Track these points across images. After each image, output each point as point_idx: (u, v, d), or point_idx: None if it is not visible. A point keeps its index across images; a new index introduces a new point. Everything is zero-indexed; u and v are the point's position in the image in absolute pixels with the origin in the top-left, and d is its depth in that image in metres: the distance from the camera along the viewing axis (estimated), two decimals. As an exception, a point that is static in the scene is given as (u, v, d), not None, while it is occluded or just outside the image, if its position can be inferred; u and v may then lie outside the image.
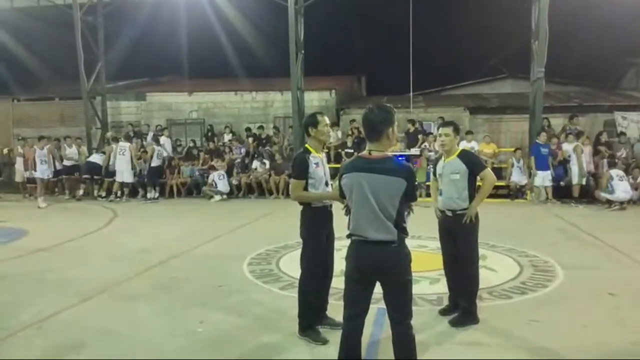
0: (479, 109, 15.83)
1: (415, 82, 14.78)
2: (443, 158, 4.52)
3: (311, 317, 4.06)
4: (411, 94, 14.76)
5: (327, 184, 4.04)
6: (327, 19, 19.36)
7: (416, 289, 5.18)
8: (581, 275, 5.75)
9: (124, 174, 13.10)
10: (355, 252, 2.99)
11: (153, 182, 13.32)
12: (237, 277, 5.86)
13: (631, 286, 5.34)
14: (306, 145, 4.10)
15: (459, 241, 4.38)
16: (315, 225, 4.01)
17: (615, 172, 10.83)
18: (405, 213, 2.99)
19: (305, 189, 3.99)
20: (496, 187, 12.21)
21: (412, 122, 14.07)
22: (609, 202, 10.65)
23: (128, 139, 13.65)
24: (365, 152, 3.01)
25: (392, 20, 17.52)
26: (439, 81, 21.24)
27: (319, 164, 4.01)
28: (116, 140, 13.74)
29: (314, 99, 16.54)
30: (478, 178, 4.42)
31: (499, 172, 12.64)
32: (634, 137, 13.08)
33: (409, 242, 3.03)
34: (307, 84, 14.75)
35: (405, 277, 2.94)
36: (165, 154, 14.06)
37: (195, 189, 13.70)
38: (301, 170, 3.97)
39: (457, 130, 4.54)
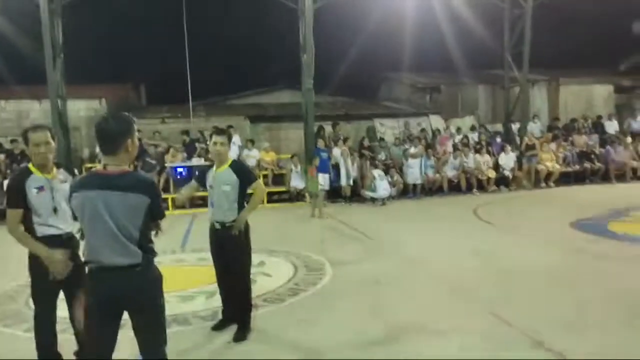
0: (259, 117, 16.29)
1: (196, 92, 14.58)
2: (214, 168, 4.36)
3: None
4: (190, 103, 14.49)
5: (55, 210, 3.35)
6: (95, 21, 17.78)
7: (192, 306, 5.03)
8: (347, 270, 6.21)
9: None
10: (94, 281, 2.61)
11: None
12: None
13: (389, 275, 5.94)
14: (29, 164, 3.41)
15: (230, 253, 4.28)
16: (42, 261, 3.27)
17: (377, 172, 12.25)
18: (153, 233, 2.74)
19: (29, 218, 3.29)
20: (277, 193, 12.84)
21: (186, 132, 13.88)
22: (373, 199, 11.98)
23: None
24: (99, 167, 2.66)
25: (168, 28, 16.93)
26: (222, 91, 21.32)
27: (43, 187, 3.32)
28: None
29: (80, 109, 14.92)
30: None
31: (280, 179, 13.24)
32: (390, 141, 15.00)
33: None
34: (73, 92, 13.21)
35: (154, 303, 2.66)
36: None
37: None
38: (15, 197, 3.26)
39: (230, 138, 4.47)
